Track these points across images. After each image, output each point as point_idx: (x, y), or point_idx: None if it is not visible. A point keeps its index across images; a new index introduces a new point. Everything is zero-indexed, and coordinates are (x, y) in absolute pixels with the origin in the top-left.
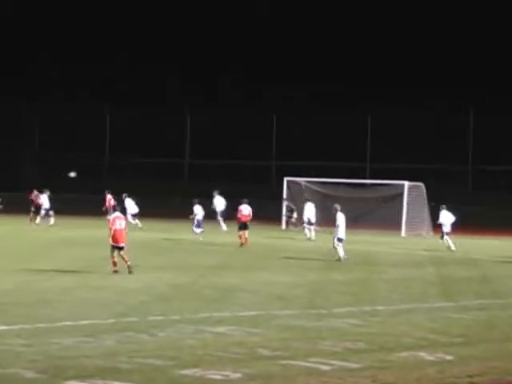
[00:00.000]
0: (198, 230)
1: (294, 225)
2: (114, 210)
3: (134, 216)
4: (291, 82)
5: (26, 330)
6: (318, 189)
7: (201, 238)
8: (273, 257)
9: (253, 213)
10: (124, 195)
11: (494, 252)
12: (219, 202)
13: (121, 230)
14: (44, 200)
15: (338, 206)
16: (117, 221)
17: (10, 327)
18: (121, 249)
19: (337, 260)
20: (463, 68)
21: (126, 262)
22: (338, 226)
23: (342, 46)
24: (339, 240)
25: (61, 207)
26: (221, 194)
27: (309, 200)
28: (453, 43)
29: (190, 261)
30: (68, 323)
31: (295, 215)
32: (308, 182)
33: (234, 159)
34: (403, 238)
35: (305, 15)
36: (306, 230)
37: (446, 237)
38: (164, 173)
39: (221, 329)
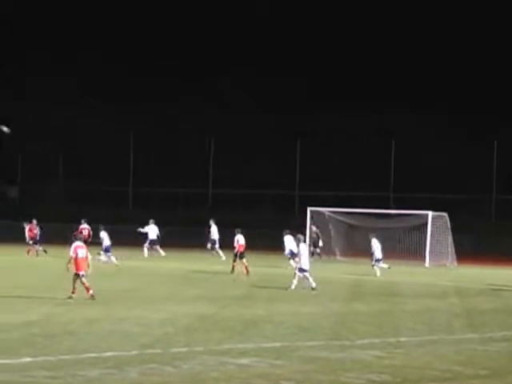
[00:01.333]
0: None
1: (319, 255)
2: (75, 239)
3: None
4: (316, 110)
5: (50, 361)
6: (342, 218)
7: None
8: (297, 287)
9: (276, 243)
10: (101, 227)
11: None
12: (215, 231)
13: (82, 258)
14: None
15: (301, 237)
16: (78, 250)
17: (34, 359)
18: (82, 276)
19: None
20: (487, 97)
21: (87, 289)
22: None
23: (367, 73)
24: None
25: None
26: (216, 223)
27: (288, 233)
28: (472, 71)
29: (215, 291)
30: (92, 355)
31: (321, 243)
32: (332, 211)
33: (257, 188)
34: (427, 268)
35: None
36: (292, 262)
37: (376, 264)
38: (186, 203)
39: (244, 360)
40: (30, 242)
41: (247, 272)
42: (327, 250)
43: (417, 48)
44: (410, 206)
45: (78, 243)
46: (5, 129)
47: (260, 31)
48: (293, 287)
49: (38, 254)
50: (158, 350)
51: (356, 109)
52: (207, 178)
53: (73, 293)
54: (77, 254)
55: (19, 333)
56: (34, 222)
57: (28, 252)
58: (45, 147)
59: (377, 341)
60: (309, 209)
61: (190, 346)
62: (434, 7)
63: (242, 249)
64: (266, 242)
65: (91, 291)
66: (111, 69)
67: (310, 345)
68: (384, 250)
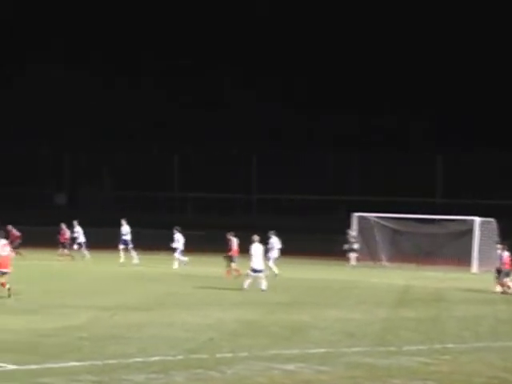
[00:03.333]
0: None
1: (357, 260)
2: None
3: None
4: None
5: (97, 366)
6: (388, 224)
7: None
8: (342, 293)
9: (322, 249)
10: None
11: None
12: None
13: (5, 256)
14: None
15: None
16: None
17: (81, 363)
18: (4, 274)
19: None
20: None
21: (4, 286)
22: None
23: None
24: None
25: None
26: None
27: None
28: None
29: (259, 297)
30: (138, 359)
31: (355, 246)
32: (378, 217)
33: (300, 194)
34: (474, 274)
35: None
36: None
37: (271, 261)
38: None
39: (290, 366)
40: (67, 246)
41: (239, 274)
42: (373, 256)
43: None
44: (456, 212)
45: (2, 241)
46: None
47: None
48: (245, 286)
49: (72, 258)
50: (204, 355)
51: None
52: (249, 184)
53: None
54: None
55: (66, 337)
56: (63, 226)
57: (61, 256)
58: (91, 154)
59: (423, 347)
60: (355, 214)
61: (235, 351)
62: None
63: (236, 253)
64: (317, 247)
65: (8, 286)
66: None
67: (355, 351)
68: (430, 255)
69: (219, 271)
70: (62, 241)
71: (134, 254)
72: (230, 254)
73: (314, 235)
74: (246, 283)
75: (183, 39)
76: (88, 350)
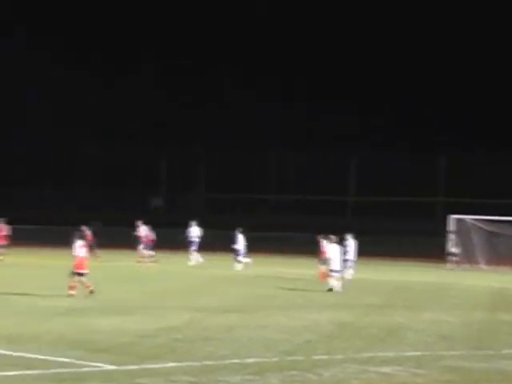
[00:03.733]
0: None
1: (457, 263)
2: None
3: (240, 254)
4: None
5: (193, 367)
6: (484, 226)
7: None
8: (437, 295)
9: (418, 251)
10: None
11: None
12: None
13: (82, 257)
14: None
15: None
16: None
17: (177, 364)
18: (81, 275)
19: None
20: None
21: (87, 287)
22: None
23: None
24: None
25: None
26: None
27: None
28: None
29: (352, 299)
30: (234, 361)
31: (455, 249)
32: (474, 219)
33: (398, 196)
34: None
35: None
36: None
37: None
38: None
39: (385, 369)
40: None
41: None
42: (470, 258)
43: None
44: None
45: (79, 243)
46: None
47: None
48: (330, 286)
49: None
50: (299, 357)
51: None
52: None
53: (72, 289)
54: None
55: (162, 338)
56: (148, 228)
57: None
58: (187, 157)
59: None
60: (451, 216)
61: (330, 353)
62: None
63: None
64: (417, 248)
65: (91, 287)
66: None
67: (451, 354)
68: None
69: (302, 272)
70: (146, 243)
71: (194, 255)
72: (321, 256)
73: (411, 237)
74: (331, 284)
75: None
76: (184, 351)
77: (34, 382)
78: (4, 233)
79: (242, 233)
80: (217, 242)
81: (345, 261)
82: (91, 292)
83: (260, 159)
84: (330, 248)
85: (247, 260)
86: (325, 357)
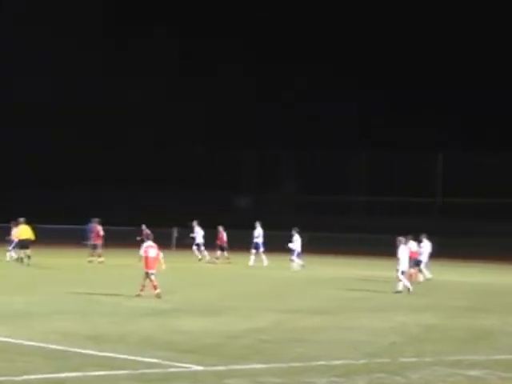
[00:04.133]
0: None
1: None
2: (147, 239)
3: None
4: None
5: (280, 368)
6: None
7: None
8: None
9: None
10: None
11: None
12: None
13: (153, 257)
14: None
15: (401, 239)
16: (149, 249)
17: (264, 365)
18: (151, 274)
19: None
20: None
21: (155, 287)
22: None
23: None
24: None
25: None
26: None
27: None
28: None
29: (441, 300)
30: (321, 363)
31: None
32: None
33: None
34: None
35: None
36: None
37: (423, 265)
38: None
39: (474, 372)
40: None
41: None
42: None
43: None
44: None
45: (148, 243)
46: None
47: None
48: (399, 289)
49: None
50: (386, 360)
51: None
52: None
53: (141, 290)
54: (147, 254)
55: (249, 339)
56: (221, 229)
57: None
58: (276, 158)
59: None
60: None
61: (418, 355)
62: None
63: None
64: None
65: (158, 290)
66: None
67: None
68: None
69: (389, 275)
70: (220, 244)
71: (263, 257)
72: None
73: (499, 239)
74: (400, 286)
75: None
76: (270, 353)
77: (122, 382)
78: (101, 233)
79: (298, 233)
80: (313, 244)
81: (418, 262)
82: (157, 295)
83: (348, 159)
84: (400, 249)
85: (299, 261)
86: (412, 359)
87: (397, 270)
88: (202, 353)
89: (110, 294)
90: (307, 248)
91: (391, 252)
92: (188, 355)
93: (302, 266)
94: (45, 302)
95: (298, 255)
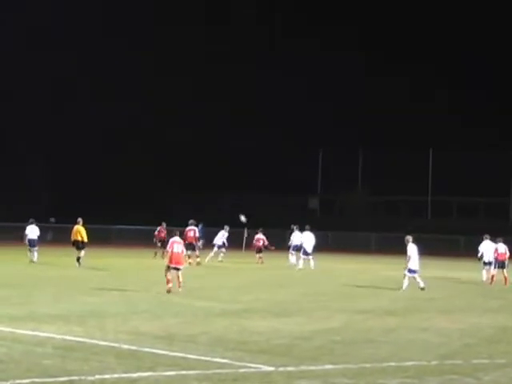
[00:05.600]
0: None
1: None
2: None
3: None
4: None
5: (351, 369)
6: None
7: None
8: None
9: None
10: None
11: None
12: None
13: (178, 253)
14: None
15: (409, 238)
16: (174, 245)
17: (335, 366)
18: (178, 270)
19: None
20: None
21: (179, 282)
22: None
23: None
24: (410, 271)
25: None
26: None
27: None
28: None
29: None
30: (392, 364)
31: None
32: None
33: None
34: None
35: None
36: None
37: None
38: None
39: None
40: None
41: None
42: None
43: None
44: None
45: (175, 238)
46: (243, 219)
47: None
48: (404, 288)
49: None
50: (459, 361)
51: None
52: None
53: (168, 283)
54: (173, 249)
55: (320, 340)
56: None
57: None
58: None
59: None
60: None
61: (492, 357)
62: None
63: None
64: None
65: (170, 284)
66: None
67: None
68: None
69: (467, 275)
70: (259, 245)
71: (292, 258)
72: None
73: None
74: (405, 284)
75: None
76: (341, 353)
77: (193, 382)
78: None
79: (299, 230)
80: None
81: (503, 264)
82: (168, 290)
83: (420, 160)
84: (409, 248)
85: (294, 258)
86: (485, 361)
87: (405, 268)
88: (273, 353)
89: (180, 295)
90: (373, 249)
91: (468, 253)
92: (259, 356)
93: (295, 265)
94: (117, 302)
95: (305, 252)
